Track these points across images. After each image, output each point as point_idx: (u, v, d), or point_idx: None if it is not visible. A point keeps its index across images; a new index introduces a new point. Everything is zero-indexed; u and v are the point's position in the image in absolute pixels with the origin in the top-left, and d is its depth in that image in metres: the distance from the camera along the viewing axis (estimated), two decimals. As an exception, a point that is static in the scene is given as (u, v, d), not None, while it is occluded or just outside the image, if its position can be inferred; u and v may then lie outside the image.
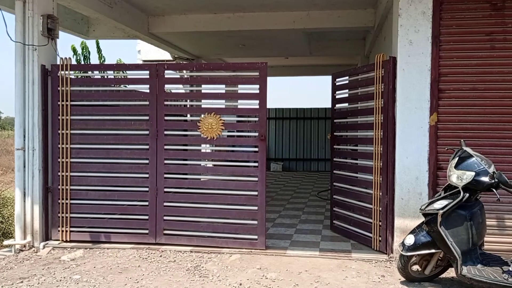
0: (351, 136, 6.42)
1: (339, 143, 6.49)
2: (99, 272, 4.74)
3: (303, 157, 15.87)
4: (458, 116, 5.12)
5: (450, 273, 4.54)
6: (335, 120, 6.52)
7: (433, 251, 4.21)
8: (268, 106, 5.56)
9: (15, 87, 5.65)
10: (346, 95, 6.50)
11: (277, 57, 12.57)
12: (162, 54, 11.45)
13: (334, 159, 6.48)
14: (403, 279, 4.48)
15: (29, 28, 5.61)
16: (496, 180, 3.93)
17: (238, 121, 6.12)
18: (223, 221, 5.65)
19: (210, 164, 6.19)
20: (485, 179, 3.97)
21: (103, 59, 10.97)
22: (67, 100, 5.76)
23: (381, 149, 5.38)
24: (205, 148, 6.10)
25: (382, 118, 5.36)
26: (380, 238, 5.41)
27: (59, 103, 5.77)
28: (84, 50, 10.60)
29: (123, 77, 6.44)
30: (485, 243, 4.51)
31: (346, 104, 6.62)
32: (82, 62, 10.38)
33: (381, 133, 5.37)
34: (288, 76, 17.08)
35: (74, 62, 6.29)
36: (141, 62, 11.16)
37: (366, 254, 5.37)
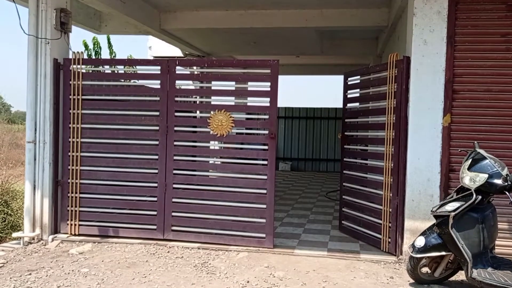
0: (362, 136, 6.37)
1: (350, 143, 6.44)
2: (107, 266, 4.75)
3: (312, 157, 15.80)
4: (472, 118, 5.05)
5: (460, 276, 4.48)
6: (346, 120, 6.47)
7: (443, 253, 4.16)
8: (278, 105, 5.52)
9: (27, 80, 5.68)
10: (358, 94, 6.45)
11: (288, 56, 12.52)
12: (173, 51, 11.45)
13: (344, 159, 6.43)
14: (412, 281, 4.43)
15: (42, 22, 5.63)
16: (510, 183, 3.87)
17: (248, 119, 6.10)
18: (231, 219, 5.63)
19: (219, 161, 6.17)
20: (498, 181, 3.91)
21: (114, 54, 10.99)
22: (78, 94, 5.77)
23: (393, 149, 5.32)
24: (215, 145, 6.08)
25: (394, 118, 5.30)
26: (389, 240, 5.36)
27: (70, 97, 5.78)
28: (96, 46, 10.62)
29: (134, 72, 6.44)
30: (496, 247, 4.45)
31: (357, 104, 6.57)
32: (93, 57, 10.41)
33: (393, 134, 5.31)
34: (299, 75, 17.01)
35: (85, 56, 6.30)
36: (152, 58, 11.18)
37: (375, 255, 5.32)
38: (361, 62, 12.66)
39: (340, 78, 6.47)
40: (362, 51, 11.37)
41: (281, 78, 5.54)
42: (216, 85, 5.89)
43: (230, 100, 5.79)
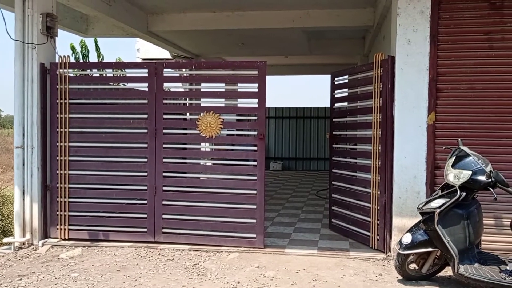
0: (350, 135, 6.43)
1: (338, 142, 6.50)
2: (98, 270, 4.75)
3: (303, 156, 15.88)
4: (456, 116, 5.13)
5: (447, 271, 4.55)
6: (334, 119, 6.53)
7: (430, 249, 4.22)
8: (267, 105, 5.56)
9: (15, 85, 5.66)
10: (345, 94, 6.51)
11: (276, 56, 12.58)
12: (161, 53, 11.45)
13: (333, 158, 6.49)
14: (400, 277, 4.49)
15: (28, 27, 5.62)
16: (493, 179, 3.95)
17: (237, 120, 6.13)
18: (221, 220, 5.66)
19: (209, 163, 6.19)
20: (482, 178, 3.98)
21: (101, 57, 10.96)
22: (65, 98, 5.76)
23: (380, 148, 5.39)
24: (204, 146, 6.11)
25: (380, 117, 5.37)
26: (378, 237, 5.43)
27: (57, 101, 5.77)
28: (83, 49, 10.58)
29: (122, 75, 6.44)
30: (482, 243, 4.53)
31: (345, 103, 6.63)
32: (81, 61, 10.37)
33: (380, 132, 5.38)
34: (288, 75, 17.09)
35: (73, 60, 6.29)
36: (140, 61, 11.17)
37: (364, 252, 5.38)
38: (349, 61, 12.76)
39: (329, 77, 6.52)
40: (349, 51, 11.46)
41: (271, 79, 5.59)
42: (204, 87, 5.91)
43: (218, 102, 5.82)
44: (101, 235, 5.77)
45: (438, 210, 4.06)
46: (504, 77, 5.04)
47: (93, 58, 10.90)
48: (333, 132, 6.52)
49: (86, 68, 6.50)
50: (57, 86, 5.77)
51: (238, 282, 4.38)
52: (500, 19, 5.05)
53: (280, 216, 7.46)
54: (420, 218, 4.36)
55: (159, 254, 5.31)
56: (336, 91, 6.47)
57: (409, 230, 4.38)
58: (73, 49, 10.43)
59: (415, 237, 4.24)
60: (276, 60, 13.29)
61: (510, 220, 3.96)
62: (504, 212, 4.94)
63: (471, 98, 5.10)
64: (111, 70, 6.45)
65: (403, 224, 5.10)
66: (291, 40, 10.08)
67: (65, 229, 5.81)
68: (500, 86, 5.05)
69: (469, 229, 4.06)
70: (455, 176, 4.09)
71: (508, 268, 3.87)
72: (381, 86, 5.36)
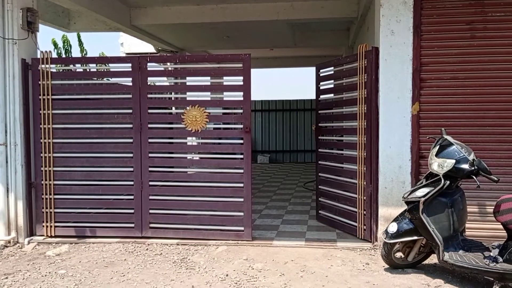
0: (336, 127, 6.46)
1: (324, 134, 6.53)
2: (85, 267, 4.72)
3: (290, 148, 15.93)
4: (439, 105, 5.18)
5: (433, 259, 4.62)
6: (319, 111, 6.55)
7: (415, 238, 4.29)
8: (253, 98, 5.56)
9: (-5, 82, 5.57)
10: (331, 86, 6.53)
11: (262, 49, 12.54)
12: (145, 47, 11.33)
13: (319, 150, 6.52)
14: (387, 266, 4.55)
15: (8, 22, 5.52)
16: (476, 167, 4.01)
17: (223, 114, 6.12)
18: (209, 213, 5.66)
19: (195, 156, 6.18)
20: (465, 166, 4.03)
21: (85, 52, 10.82)
22: (48, 94, 5.69)
23: (365, 139, 5.42)
24: (190, 141, 6.08)
25: (365, 108, 5.40)
26: (364, 227, 5.48)
27: (40, 97, 5.69)
28: (66, 44, 10.44)
29: (105, 70, 6.38)
30: (467, 230, 4.60)
31: (330, 95, 6.65)
32: (64, 56, 10.22)
33: (365, 123, 5.41)
34: (274, 68, 17.07)
35: (55, 55, 6.20)
36: (124, 55, 11.04)
37: (351, 243, 5.43)
38: (334, 53, 12.79)
39: (314, 69, 6.53)
40: (334, 42, 11.48)
41: (256, 72, 5.58)
42: (189, 80, 5.87)
43: (203, 96, 5.79)
44: (88, 232, 5.73)
45: (423, 199, 4.11)
46: (486, 66, 5.10)
47: (76, 53, 10.78)
48: (319, 124, 6.54)
49: (69, 63, 6.40)
50: (40, 82, 5.69)
51: (227, 275, 4.40)
52: (482, 9, 5.10)
53: (267, 209, 7.48)
54: (405, 207, 4.42)
55: (147, 249, 5.30)
56: (321, 83, 6.49)
57: (395, 220, 4.43)
58: (55, 44, 10.29)
59: (401, 226, 4.29)
60: (261, 53, 13.25)
61: (493, 207, 4.02)
62: (488, 199, 5.01)
63: (454, 87, 5.15)
64: (94, 65, 6.36)
65: (389, 214, 5.16)
66: (276, 32, 10.06)
67: (51, 226, 5.76)
68: (482, 75, 5.12)
69: (453, 217, 4.13)
70: (439, 165, 4.14)
71: (491, 254, 3.93)
72: (365, 77, 5.39)
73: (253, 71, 5.51)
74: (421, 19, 5.15)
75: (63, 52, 10.38)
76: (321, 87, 6.51)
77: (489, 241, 4.31)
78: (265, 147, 16.00)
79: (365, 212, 5.46)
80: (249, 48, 11.63)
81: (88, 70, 6.17)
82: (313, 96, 6.72)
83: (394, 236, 4.28)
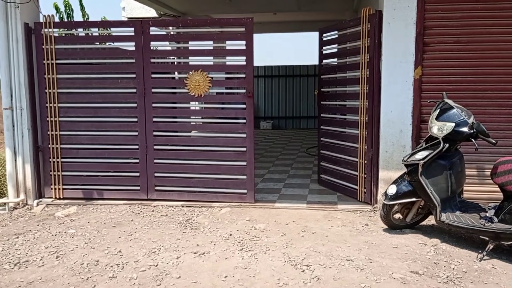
0: (338, 92, 6.48)
1: (326, 99, 6.56)
2: (93, 227, 4.89)
3: (293, 115, 15.94)
4: (441, 70, 5.19)
5: (430, 220, 4.76)
6: (322, 76, 6.56)
7: (414, 199, 4.40)
8: (256, 64, 5.57)
9: (0, 46, 5.59)
10: (334, 50, 6.51)
11: (265, 13, 12.36)
12: (147, 11, 11.20)
13: (321, 115, 6.57)
14: (385, 226, 4.69)
15: (9, -15, 5.49)
16: (475, 130, 4.07)
17: (225, 78, 6.14)
18: (213, 177, 5.78)
19: (199, 121, 6.24)
20: (465, 129, 4.10)
21: (86, 17, 10.68)
22: (52, 59, 5.71)
23: (367, 103, 5.47)
24: (194, 105, 6.14)
25: (368, 72, 5.42)
26: (365, 190, 5.60)
27: (44, 62, 5.72)
28: (67, 8, 10.28)
29: (108, 34, 6.36)
30: (465, 192, 4.71)
31: (333, 60, 6.64)
32: (66, 20, 10.12)
33: (367, 88, 5.44)
34: (277, 33, 16.86)
35: (57, 20, 6.18)
36: (126, 19, 10.93)
37: (352, 205, 5.57)
38: (338, 18, 12.58)
39: (317, 34, 6.50)
40: (338, 6, 11.29)
41: (259, 37, 5.57)
42: (191, 45, 5.88)
43: (206, 60, 5.81)
44: (95, 194, 5.89)
45: (422, 162, 4.20)
46: (490, 30, 5.08)
47: (77, 17, 10.62)
48: (321, 89, 6.56)
49: (71, 27, 6.40)
50: (43, 47, 5.70)
51: (230, 235, 4.55)
52: (487, -29, 5.03)
53: (270, 173, 7.61)
54: (405, 171, 4.51)
55: (153, 211, 5.45)
56: (324, 48, 6.47)
57: (394, 182, 4.54)
58: (57, 8, 10.14)
59: (400, 188, 4.40)
60: (264, 17, 13.05)
61: (491, 170, 4.11)
62: (486, 163, 5.10)
63: (457, 51, 5.15)
64: (96, 30, 6.34)
65: (389, 177, 5.26)
66: (280, -5, 9.90)
67: (59, 189, 5.90)
68: (485, 39, 5.10)
69: (451, 179, 4.22)
70: (439, 128, 4.21)
71: (487, 214, 4.06)
72: (368, 41, 5.38)
73: (256, 36, 5.50)
74: (426, -18, 5.09)
75: (65, 16, 10.24)
76: (324, 52, 6.49)
77: (486, 203, 4.42)
78: (268, 113, 16.01)
79: (365, 176, 5.57)
80: (252, 13, 11.41)
81: (91, 34, 6.16)
82: (316, 62, 6.70)
83: (393, 197, 4.39)
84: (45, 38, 5.69)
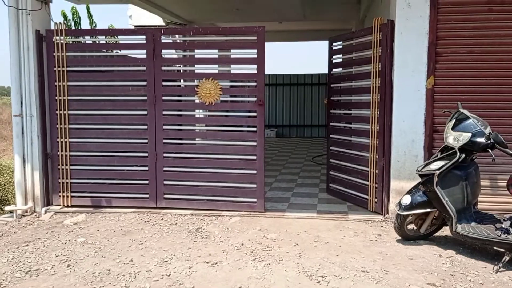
0: (348, 101, 6.46)
1: (336, 108, 6.54)
2: (103, 235, 4.84)
3: (297, 123, 15.94)
4: (454, 79, 5.18)
5: (444, 231, 4.71)
6: (331, 85, 6.55)
7: (428, 210, 4.36)
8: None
9: (10, 53, 5.59)
10: (344, 59, 6.50)
11: (271, 22, 12.41)
12: (154, 19, 11.23)
13: (331, 123, 6.55)
14: (399, 237, 4.64)
15: (21, -8, 5.50)
16: (492, 141, 4.04)
17: (236, 87, 6.13)
18: (222, 185, 5.75)
19: (209, 129, 6.22)
20: (481, 140, 4.06)
21: (94, 24, 10.75)
22: (63, 66, 5.71)
23: (378, 112, 5.44)
24: (204, 113, 6.12)
25: (379, 82, 5.40)
26: (376, 200, 5.56)
27: (55, 69, 5.72)
28: (75, 16, 10.36)
29: (117, 42, 6.36)
30: (479, 203, 4.67)
31: (342, 69, 6.63)
32: (73, 28, 10.17)
33: (378, 97, 5.42)
34: (282, 42, 16.91)
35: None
36: (133, 27, 10.97)
37: (362, 215, 5.52)
38: (343, 27, 12.64)
39: (323, 44, 6.53)
40: (344, 16, 11.34)
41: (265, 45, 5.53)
42: (202, 53, 5.87)
43: (217, 68, 5.80)
44: (104, 202, 5.85)
45: (437, 172, 4.16)
46: (503, 40, 5.07)
47: (85, 25, 10.70)
48: (331, 98, 6.55)
49: (83, 35, 6.42)
50: (54, 54, 5.70)
51: (242, 244, 4.50)
52: (500, -19, 5.04)
53: (277, 182, 7.57)
54: (417, 181, 4.47)
55: (162, 219, 5.41)
56: (334, 56, 6.47)
57: (408, 192, 4.50)
58: (64, 16, 10.23)
59: (414, 199, 4.36)
60: (269, 26, 13.02)
61: (507, 181, 4.07)
62: (499, 173, 5.07)
63: (470, 62, 5.14)
64: (108, 37, 6.36)
65: (401, 187, 5.22)
66: (286, 5, 9.93)
67: (67, 196, 5.87)
68: (498, 49, 5.09)
69: (467, 190, 4.18)
70: (454, 138, 4.18)
71: (503, 226, 4.00)
72: (380, 50, 5.37)
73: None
74: (439, -8, 5.09)
75: (72, 24, 10.32)
76: (334, 61, 6.49)
77: (501, 214, 4.38)
78: (272, 121, 16.01)
79: (376, 185, 5.53)
80: (258, 21, 11.48)
81: (99, 42, 6.17)
82: (321, 71, 6.77)
83: (408, 208, 4.35)
84: (56, 46, 5.69)
